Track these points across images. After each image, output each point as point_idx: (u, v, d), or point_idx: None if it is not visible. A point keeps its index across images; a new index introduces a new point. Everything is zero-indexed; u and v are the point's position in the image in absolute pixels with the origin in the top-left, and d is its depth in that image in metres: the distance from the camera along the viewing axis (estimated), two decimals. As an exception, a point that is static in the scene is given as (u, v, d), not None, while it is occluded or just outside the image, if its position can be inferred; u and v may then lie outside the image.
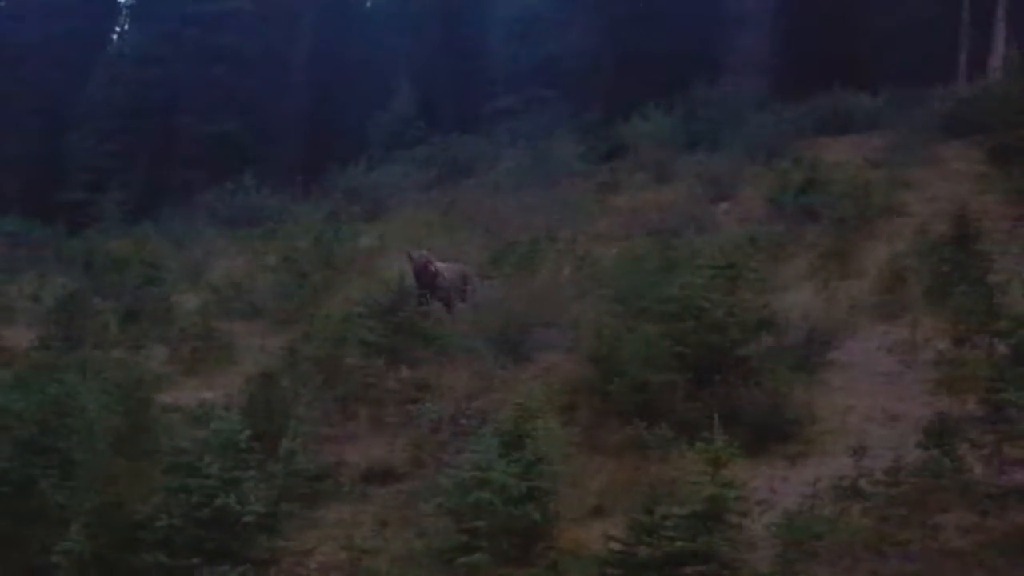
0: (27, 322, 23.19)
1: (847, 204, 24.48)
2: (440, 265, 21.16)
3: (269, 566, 12.97)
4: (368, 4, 51.74)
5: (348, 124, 42.65)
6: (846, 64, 36.18)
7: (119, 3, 50.86)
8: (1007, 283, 17.95)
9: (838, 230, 23.26)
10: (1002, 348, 15.55)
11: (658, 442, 14.84)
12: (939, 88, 33.66)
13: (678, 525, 11.67)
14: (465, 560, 12.10)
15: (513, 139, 36.56)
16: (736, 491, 11.96)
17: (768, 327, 16.96)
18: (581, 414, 15.90)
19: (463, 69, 43.46)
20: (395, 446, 15.98)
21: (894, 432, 14.99)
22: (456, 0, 44.92)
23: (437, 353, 18.55)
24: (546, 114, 37.45)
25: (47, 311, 22.73)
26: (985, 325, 16.66)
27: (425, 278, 20.57)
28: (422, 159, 37.43)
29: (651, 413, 15.46)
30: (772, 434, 15.27)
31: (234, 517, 12.61)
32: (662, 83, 36.71)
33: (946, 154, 29.22)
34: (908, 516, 13.03)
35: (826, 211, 24.56)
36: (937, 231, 20.93)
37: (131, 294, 23.77)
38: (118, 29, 50.93)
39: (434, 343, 18.71)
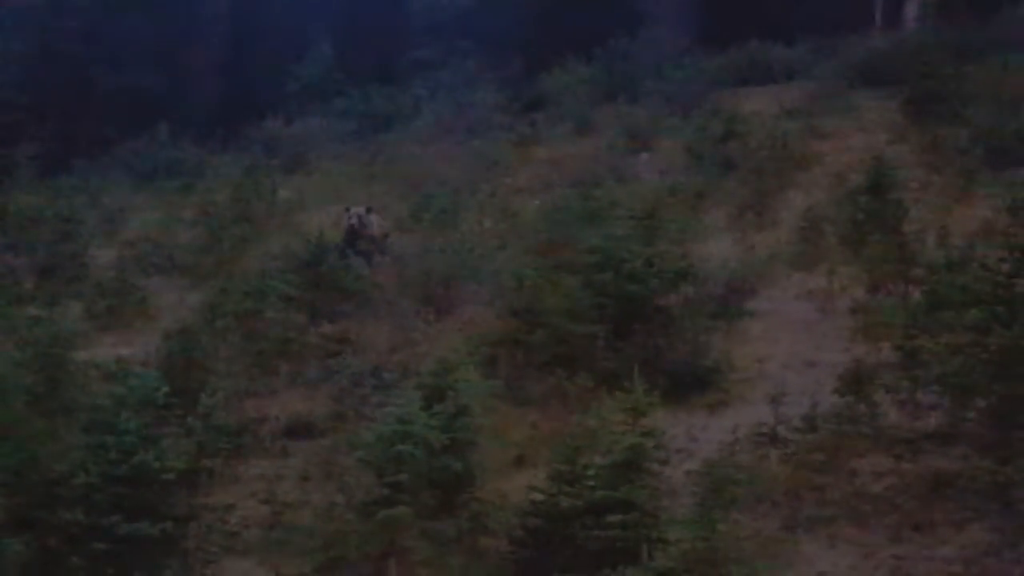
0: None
1: (765, 155, 24.64)
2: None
3: (189, 522, 12.87)
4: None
5: (266, 76, 42.05)
6: (765, 15, 36.34)
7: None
8: (921, 231, 18.19)
9: (756, 181, 23.41)
10: (916, 295, 15.81)
11: (579, 393, 14.92)
12: (855, 38, 33.89)
13: (599, 475, 11.77)
14: (387, 513, 12.08)
15: (433, 91, 36.35)
16: (656, 440, 12.06)
17: (687, 277, 17.08)
18: (503, 366, 15.90)
19: (381, 20, 42.95)
20: (316, 401, 15.92)
21: (811, 379, 15.21)
22: (374, -50, 44.36)
23: (358, 307, 18.47)
24: (466, 66, 37.27)
25: (-43, 268, 22.28)
26: (900, 273, 16.90)
27: (359, 234, 20.59)
28: (341, 111, 37.11)
29: (572, 364, 15.55)
30: (691, 383, 15.43)
31: (153, 474, 12.47)
32: (583, 34, 36.62)
33: (862, 104, 29.50)
34: (825, 462, 13.26)
35: (744, 162, 24.71)
36: (853, 181, 21.13)
37: (45, 250, 23.30)
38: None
39: (355, 297, 18.62)
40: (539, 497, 12.08)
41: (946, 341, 12.84)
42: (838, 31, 33.96)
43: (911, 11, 35.44)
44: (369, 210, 21.15)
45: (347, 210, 21.17)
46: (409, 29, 42.23)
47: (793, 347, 16.66)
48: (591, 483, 11.74)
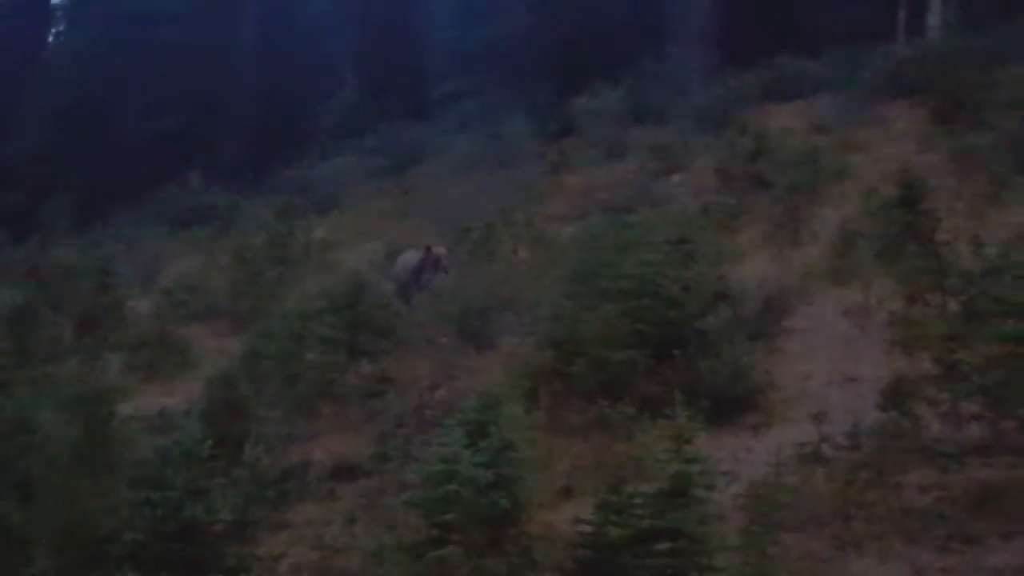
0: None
1: (796, 171, 24.60)
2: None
3: (240, 573, 12.91)
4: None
5: (295, 116, 42.47)
6: (789, 29, 36.34)
7: (53, 4, 50.35)
8: (955, 241, 18.08)
9: (788, 197, 23.38)
10: (953, 306, 15.70)
11: (622, 420, 14.88)
12: (879, 48, 33.80)
13: (646, 503, 11.69)
14: (437, 553, 12.08)
15: (462, 123, 36.53)
16: (701, 465, 12.01)
17: (724, 299, 17.05)
18: (544, 397, 15.88)
19: (409, 55, 43.31)
20: (360, 442, 15.95)
21: (853, 395, 15.14)
22: (398, -14, 44.74)
23: (397, 345, 18.53)
24: (494, 96, 37.44)
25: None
26: (936, 284, 16.79)
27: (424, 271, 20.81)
28: (372, 148, 37.39)
29: (613, 392, 15.48)
30: (734, 405, 15.35)
31: (202, 527, 12.49)
32: (609, 58, 36.74)
33: (890, 114, 29.45)
34: (871, 478, 13.16)
35: (776, 179, 24.68)
36: (885, 193, 21.06)
37: (83, 302, 23.49)
38: (54, 30, 50.46)
39: (393, 335, 18.69)
40: (587, 528, 12.03)
41: (985, 352, 12.75)
42: (862, 42, 33.88)
43: (933, 18, 35.27)
44: (449, 251, 21.30)
45: (428, 249, 21.26)
46: (436, 62, 42.48)
47: (833, 363, 16.58)
48: (638, 512, 11.67)
